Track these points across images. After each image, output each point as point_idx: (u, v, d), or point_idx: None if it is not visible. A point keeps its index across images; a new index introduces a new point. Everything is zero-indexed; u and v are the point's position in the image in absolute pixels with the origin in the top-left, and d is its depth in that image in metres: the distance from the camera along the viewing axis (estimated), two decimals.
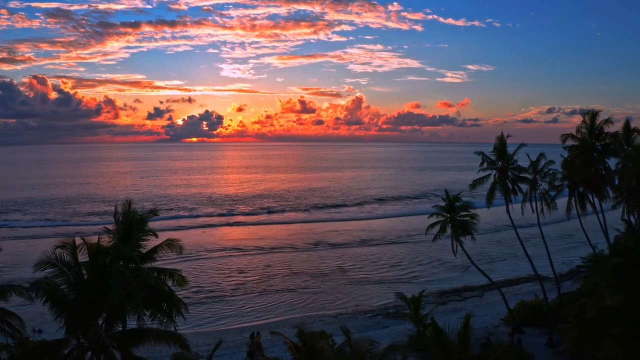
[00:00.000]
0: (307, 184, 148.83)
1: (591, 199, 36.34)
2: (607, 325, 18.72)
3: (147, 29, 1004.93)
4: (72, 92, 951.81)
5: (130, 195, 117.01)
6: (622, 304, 18.47)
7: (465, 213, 32.20)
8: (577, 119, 38.15)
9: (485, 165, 34.13)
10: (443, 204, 32.98)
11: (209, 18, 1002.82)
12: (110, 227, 22.50)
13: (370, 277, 50.02)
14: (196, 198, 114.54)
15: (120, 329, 19.65)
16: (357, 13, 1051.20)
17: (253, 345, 27.75)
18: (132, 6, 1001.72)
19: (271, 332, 28.77)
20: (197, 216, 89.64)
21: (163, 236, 22.60)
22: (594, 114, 34.27)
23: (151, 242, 22.19)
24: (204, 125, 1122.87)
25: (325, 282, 48.19)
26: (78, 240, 19.08)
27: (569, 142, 35.42)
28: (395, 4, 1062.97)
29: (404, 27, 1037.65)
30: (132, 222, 21.70)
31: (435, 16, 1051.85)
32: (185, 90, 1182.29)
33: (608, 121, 34.35)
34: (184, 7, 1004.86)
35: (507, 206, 33.95)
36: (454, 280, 48.71)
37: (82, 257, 18.65)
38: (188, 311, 22.29)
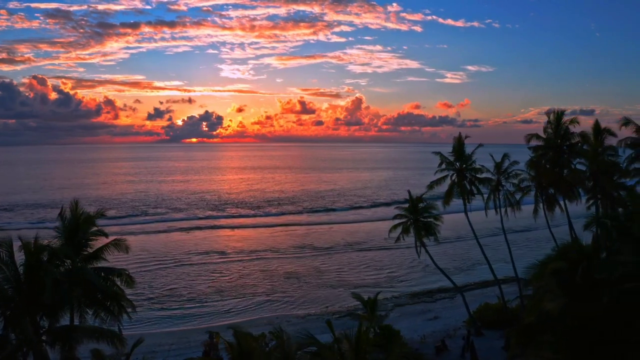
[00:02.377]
0: (302, 185, 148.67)
1: (561, 200, 36.11)
2: (543, 330, 18.53)
3: (146, 29, 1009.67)
4: (71, 92, 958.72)
5: (124, 196, 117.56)
6: (561, 309, 18.26)
7: (428, 214, 32.03)
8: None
9: (444, 165, 33.98)
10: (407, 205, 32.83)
11: (209, 19, 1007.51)
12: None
13: (348, 280, 49.87)
14: (190, 199, 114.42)
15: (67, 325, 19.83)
16: (356, 14, 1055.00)
17: (209, 345, 27.80)
18: (131, 7, 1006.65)
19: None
20: (188, 219, 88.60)
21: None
22: (560, 113, 33.94)
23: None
24: (204, 126, 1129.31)
25: (301, 284, 48.08)
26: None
27: (534, 142, 35.07)
28: (394, 4, 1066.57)
29: (404, 27, 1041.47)
30: (78, 222, 21.80)
31: (434, 17, 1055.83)
32: (185, 90, 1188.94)
33: (574, 121, 34.02)
34: (184, 8, 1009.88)
35: (465, 207, 33.78)
36: (432, 282, 48.43)
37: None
38: (135, 310, 22.36)
